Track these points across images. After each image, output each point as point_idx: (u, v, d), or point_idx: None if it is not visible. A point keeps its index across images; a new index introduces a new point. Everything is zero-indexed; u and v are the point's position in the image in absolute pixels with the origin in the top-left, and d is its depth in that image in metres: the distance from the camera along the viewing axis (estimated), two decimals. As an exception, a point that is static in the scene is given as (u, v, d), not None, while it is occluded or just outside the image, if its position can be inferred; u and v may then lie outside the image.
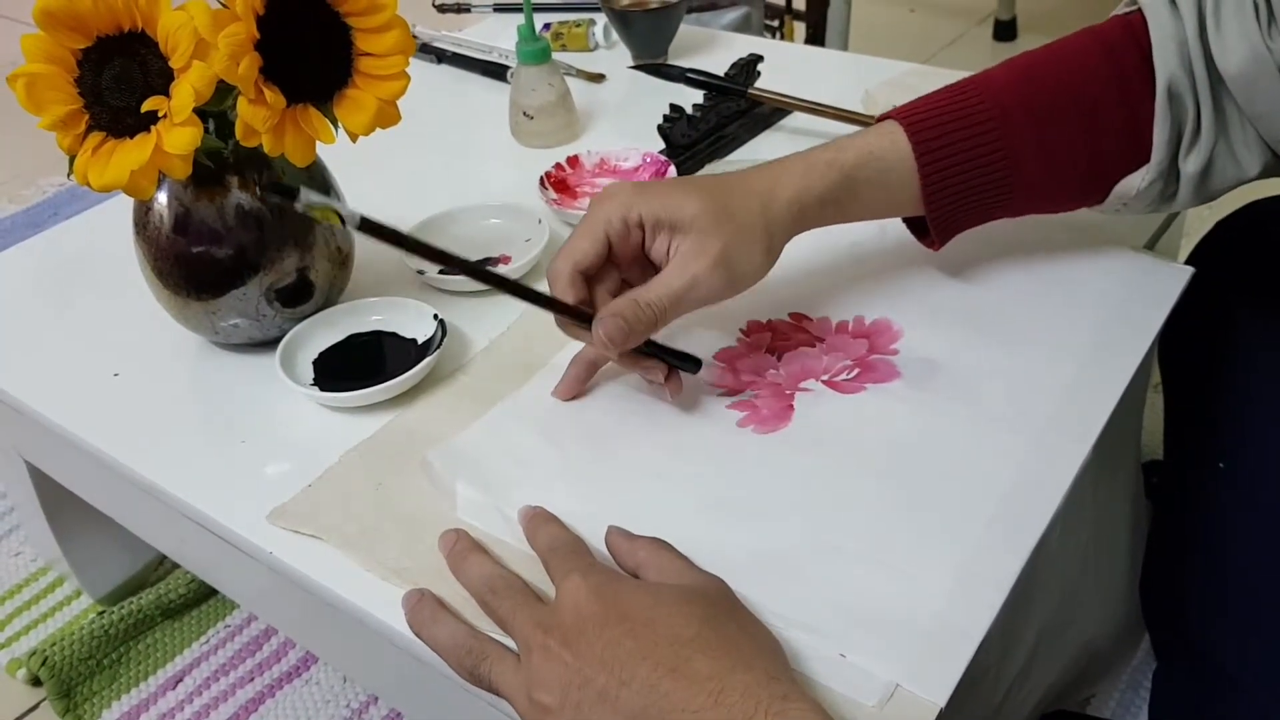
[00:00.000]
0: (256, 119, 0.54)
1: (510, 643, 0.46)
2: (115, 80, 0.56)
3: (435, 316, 0.65)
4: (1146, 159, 0.60)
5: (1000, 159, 0.59)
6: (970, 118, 0.59)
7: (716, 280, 0.55)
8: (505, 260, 0.73)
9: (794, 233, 0.59)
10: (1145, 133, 0.59)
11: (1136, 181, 0.60)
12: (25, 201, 1.67)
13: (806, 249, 0.72)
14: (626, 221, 0.56)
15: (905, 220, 0.65)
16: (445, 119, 0.97)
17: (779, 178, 0.58)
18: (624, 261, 0.58)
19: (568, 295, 0.56)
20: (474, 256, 0.73)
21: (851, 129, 0.83)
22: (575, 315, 0.56)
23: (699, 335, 0.65)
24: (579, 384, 0.61)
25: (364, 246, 0.70)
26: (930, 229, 0.62)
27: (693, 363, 0.60)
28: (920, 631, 0.46)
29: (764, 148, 0.86)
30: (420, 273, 0.71)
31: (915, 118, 0.60)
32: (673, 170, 0.78)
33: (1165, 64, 0.57)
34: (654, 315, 0.55)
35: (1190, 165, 0.59)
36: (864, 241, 0.71)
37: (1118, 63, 0.59)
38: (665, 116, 0.85)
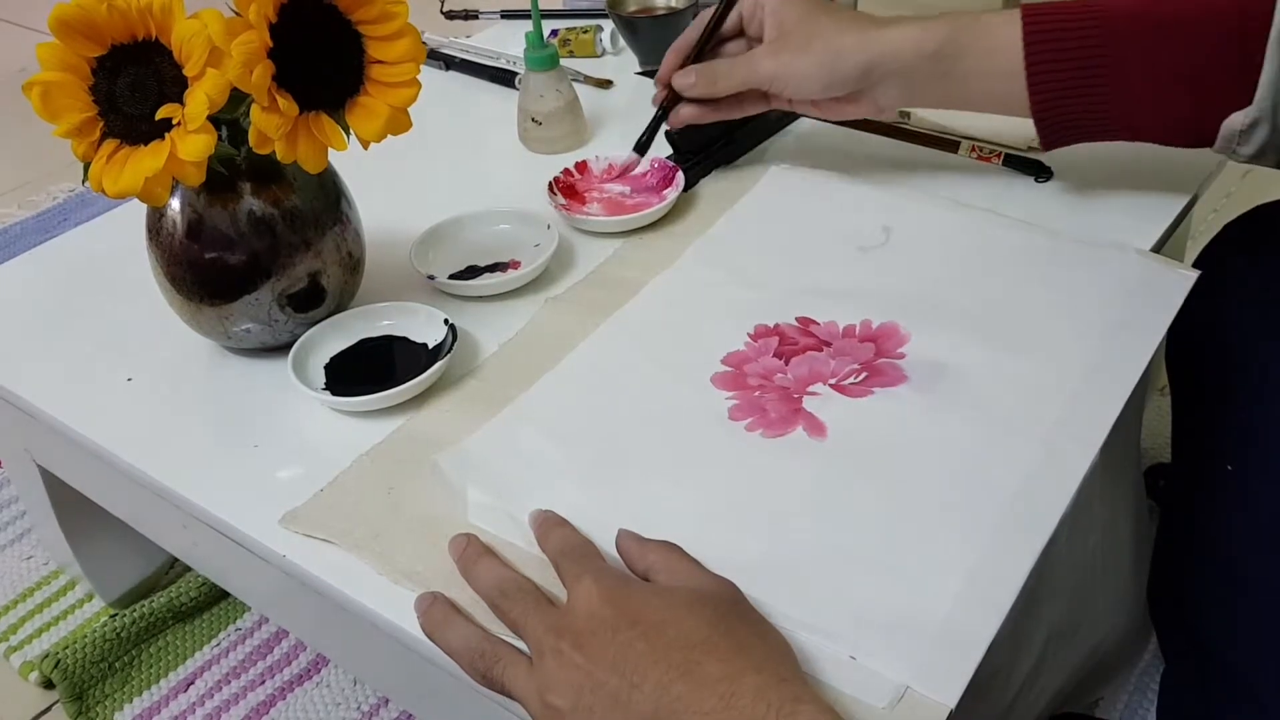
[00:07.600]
0: (270, 126, 0.55)
1: (523, 645, 0.47)
2: (130, 88, 0.56)
3: (445, 321, 0.66)
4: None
5: (1101, 58, 0.61)
6: (1082, 19, 0.62)
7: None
8: (515, 265, 0.73)
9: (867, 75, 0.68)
10: (1256, 73, 0.58)
11: (1239, 121, 0.60)
12: (35, 207, 1.67)
13: (813, 252, 0.72)
14: None
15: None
16: (454, 125, 0.97)
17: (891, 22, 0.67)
18: None
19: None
20: (484, 262, 0.74)
21: (860, 135, 0.84)
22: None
23: (706, 339, 0.65)
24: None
25: (375, 252, 0.71)
26: (1035, 123, 0.64)
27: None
28: (930, 633, 0.47)
29: (772, 153, 0.86)
30: (430, 277, 0.71)
31: (1035, 11, 0.62)
32: (680, 176, 0.79)
33: None
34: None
35: None
36: (871, 245, 0.72)
37: None
38: (673, 121, 0.85)
